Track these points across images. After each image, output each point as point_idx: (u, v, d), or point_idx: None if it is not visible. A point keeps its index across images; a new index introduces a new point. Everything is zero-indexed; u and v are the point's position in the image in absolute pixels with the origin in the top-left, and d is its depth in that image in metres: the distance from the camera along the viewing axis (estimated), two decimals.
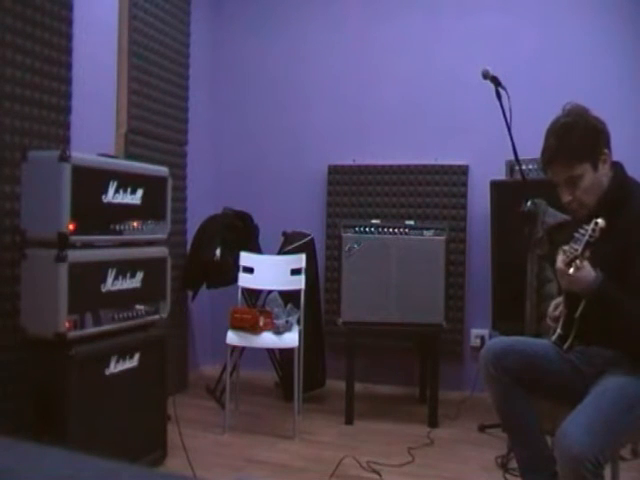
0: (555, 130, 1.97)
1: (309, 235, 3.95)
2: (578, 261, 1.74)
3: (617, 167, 1.99)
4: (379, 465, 2.85)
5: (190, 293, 4.04)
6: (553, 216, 2.81)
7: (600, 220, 1.71)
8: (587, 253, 1.73)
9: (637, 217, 1.87)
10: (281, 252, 3.88)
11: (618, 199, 1.91)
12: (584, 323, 1.88)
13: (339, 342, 3.95)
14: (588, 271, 1.78)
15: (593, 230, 1.71)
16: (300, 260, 3.63)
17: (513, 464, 2.63)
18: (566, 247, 1.78)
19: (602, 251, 1.77)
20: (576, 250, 1.73)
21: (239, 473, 2.77)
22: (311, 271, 3.77)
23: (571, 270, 1.75)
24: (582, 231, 1.74)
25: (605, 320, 1.87)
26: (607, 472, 1.77)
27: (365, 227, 3.53)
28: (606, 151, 1.93)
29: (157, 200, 2.80)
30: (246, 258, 3.66)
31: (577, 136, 1.92)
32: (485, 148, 3.89)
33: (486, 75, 2.84)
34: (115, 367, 2.49)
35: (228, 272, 3.72)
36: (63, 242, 2.27)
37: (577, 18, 3.86)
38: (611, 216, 1.77)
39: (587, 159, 1.91)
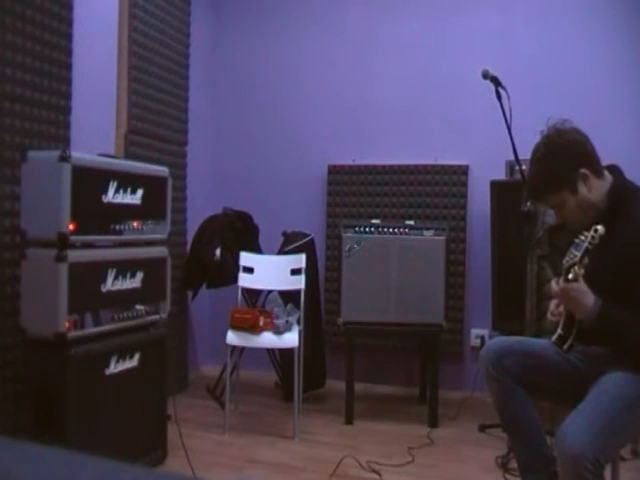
0: (529, 165, 2.00)
1: (309, 235, 3.95)
2: (576, 267, 1.74)
3: (615, 172, 1.97)
4: (379, 465, 2.85)
5: (190, 293, 4.04)
6: (553, 216, 2.81)
7: (600, 227, 1.71)
8: (586, 260, 1.73)
9: (638, 226, 1.86)
10: (281, 252, 3.88)
11: (618, 206, 1.90)
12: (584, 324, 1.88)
13: (339, 342, 3.95)
14: (586, 292, 1.79)
15: (592, 237, 1.71)
16: (300, 260, 3.63)
17: (513, 464, 2.63)
18: (567, 258, 1.78)
19: (602, 259, 1.77)
20: (575, 256, 1.74)
21: (239, 473, 2.77)
22: (311, 271, 3.77)
23: (570, 275, 1.76)
24: (582, 237, 1.74)
25: (607, 340, 1.89)
26: (607, 472, 1.76)
27: (365, 227, 3.53)
28: (583, 171, 1.89)
29: (157, 200, 2.80)
30: (246, 258, 3.66)
31: (545, 170, 1.93)
32: (485, 148, 3.89)
33: (486, 75, 2.84)
34: (115, 367, 2.49)
35: (228, 272, 3.72)
36: (63, 242, 2.27)
37: (577, 18, 3.86)
38: (611, 223, 1.77)
39: (561, 188, 1.91)
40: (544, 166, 1.94)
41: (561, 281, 1.80)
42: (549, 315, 2.01)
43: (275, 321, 3.42)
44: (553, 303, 2.03)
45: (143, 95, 3.58)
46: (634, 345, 1.83)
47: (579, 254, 1.73)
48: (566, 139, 1.93)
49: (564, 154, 1.91)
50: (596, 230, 1.71)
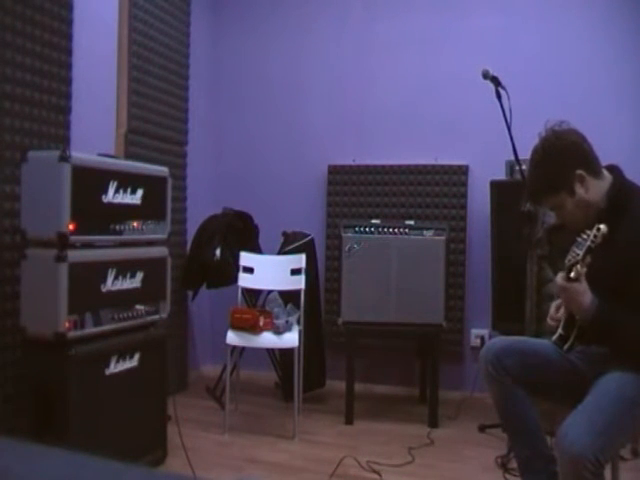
0: (527, 168, 2.03)
1: (309, 235, 3.95)
2: (579, 266, 1.74)
3: (614, 172, 1.97)
4: (379, 465, 2.85)
5: (190, 293, 4.04)
6: (553, 216, 2.81)
7: (602, 226, 1.71)
8: (588, 258, 1.73)
9: (638, 225, 1.86)
10: (281, 252, 3.88)
11: (617, 206, 1.90)
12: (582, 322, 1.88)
13: (339, 342, 3.95)
14: (584, 291, 1.79)
15: (595, 236, 1.71)
16: (300, 260, 3.62)
17: (513, 464, 2.63)
18: (569, 256, 1.78)
19: (603, 258, 1.77)
20: (577, 255, 1.74)
21: (239, 473, 2.77)
22: (311, 271, 3.77)
23: (572, 274, 1.76)
24: (584, 236, 1.74)
25: (604, 340, 1.89)
26: (607, 472, 1.76)
27: (365, 227, 3.53)
28: (579, 172, 1.89)
29: (157, 200, 2.80)
30: (246, 258, 3.66)
31: (543, 173, 1.94)
32: (485, 148, 3.89)
33: (486, 75, 2.84)
34: (115, 367, 2.49)
35: (228, 272, 3.72)
36: (63, 242, 2.27)
37: (577, 18, 3.86)
38: (612, 222, 1.77)
39: (559, 190, 1.91)
40: (541, 169, 1.94)
41: (561, 279, 1.80)
42: (549, 320, 2.01)
43: (275, 321, 3.42)
44: (553, 307, 2.03)
45: (143, 95, 3.58)
46: (630, 346, 1.83)
47: (581, 253, 1.73)
48: (563, 141, 1.93)
49: (560, 156, 1.91)
50: (599, 229, 1.71)
